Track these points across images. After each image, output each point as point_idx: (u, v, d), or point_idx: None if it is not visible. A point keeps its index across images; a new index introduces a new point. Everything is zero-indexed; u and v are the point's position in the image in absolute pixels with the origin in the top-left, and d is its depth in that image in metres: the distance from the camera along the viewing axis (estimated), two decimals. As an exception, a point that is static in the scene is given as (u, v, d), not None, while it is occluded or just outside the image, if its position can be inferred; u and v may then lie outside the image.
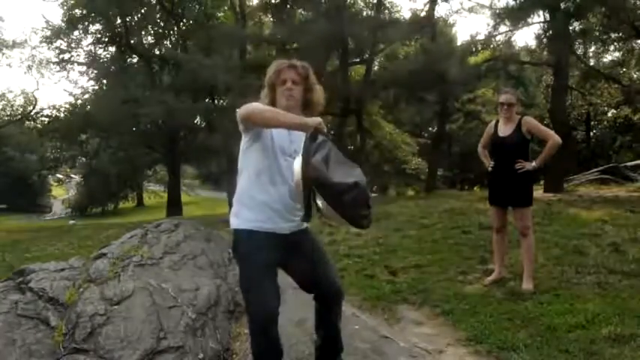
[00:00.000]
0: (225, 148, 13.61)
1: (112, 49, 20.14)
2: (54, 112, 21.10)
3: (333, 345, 2.35)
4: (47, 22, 18.40)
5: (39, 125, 22.31)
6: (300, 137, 2.06)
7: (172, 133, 17.75)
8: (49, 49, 19.28)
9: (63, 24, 18.31)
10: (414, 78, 14.36)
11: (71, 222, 18.97)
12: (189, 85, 16.54)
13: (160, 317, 2.51)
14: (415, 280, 4.36)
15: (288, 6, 17.07)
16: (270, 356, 2.14)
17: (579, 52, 14.93)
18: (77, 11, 18.17)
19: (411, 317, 3.55)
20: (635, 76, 19.37)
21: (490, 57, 16.04)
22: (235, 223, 2.15)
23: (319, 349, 2.37)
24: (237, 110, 2.09)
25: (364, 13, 17.80)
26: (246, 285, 2.11)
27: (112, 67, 19.61)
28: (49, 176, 35.36)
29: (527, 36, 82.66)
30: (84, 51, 19.78)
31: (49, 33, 18.38)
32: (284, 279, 2.22)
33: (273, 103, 2.17)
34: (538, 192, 10.05)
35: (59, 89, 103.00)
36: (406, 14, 23.14)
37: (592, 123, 24.58)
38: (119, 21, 18.36)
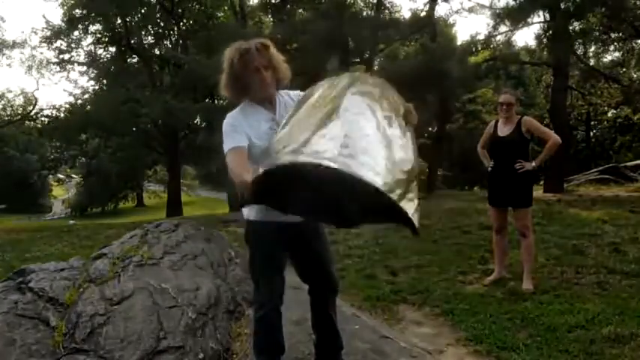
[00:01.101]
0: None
1: (112, 49, 20.14)
2: (54, 112, 21.10)
3: (332, 341, 2.34)
4: (47, 22, 18.41)
5: (39, 125, 22.30)
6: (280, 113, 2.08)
7: (172, 133, 17.75)
8: (49, 49, 19.29)
9: (63, 24, 18.30)
10: (414, 78, 14.34)
11: (71, 222, 18.97)
12: (189, 85, 16.53)
13: (160, 317, 2.51)
14: (415, 280, 4.37)
15: (288, 6, 17.06)
16: (272, 349, 2.16)
17: (579, 52, 14.95)
18: (77, 11, 18.15)
19: (411, 317, 3.55)
20: (635, 76, 19.36)
21: (490, 57, 16.04)
22: (246, 213, 2.19)
23: (318, 346, 2.37)
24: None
25: (364, 13, 17.78)
26: (256, 275, 2.16)
27: (112, 67, 19.60)
28: (50, 176, 35.36)
29: (527, 36, 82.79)
30: (84, 51, 19.79)
31: (49, 33, 18.37)
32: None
33: (245, 89, 2.09)
34: (538, 192, 10.07)
35: (59, 89, 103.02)
36: (406, 14, 23.17)
37: (592, 123, 24.59)
38: (119, 21, 18.35)
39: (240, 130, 2.03)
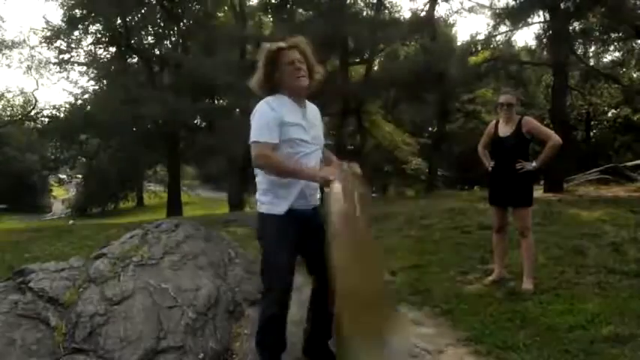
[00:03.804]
0: (225, 148, 13.62)
1: (112, 49, 20.13)
2: (54, 112, 21.11)
3: (323, 331, 2.39)
4: (47, 22, 18.40)
5: (39, 125, 22.30)
6: (314, 122, 2.25)
7: (172, 133, 17.74)
8: (48, 49, 19.30)
9: (63, 24, 18.29)
10: (414, 78, 14.36)
11: (70, 222, 18.95)
12: (189, 85, 16.54)
13: (160, 317, 2.51)
14: (415, 280, 4.36)
15: (288, 6, 17.06)
16: (276, 346, 2.17)
17: (579, 52, 14.93)
18: (77, 11, 18.15)
19: (411, 317, 3.55)
20: (635, 76, 19.37)
21: (490, 57, 16.03)
22: (264, 208, 2.25)
23: (309, 338, 2.42)
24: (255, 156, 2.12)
25: (364, 13, 17.78)
26: (269, 272, 2.21)
27: (112, 67, 19.60)
28: (50, 176, 35.34)
29: (527, 36, 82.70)
30: (84, 51, 19.79)
31: (49, 33, 18.37)
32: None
33: (272, 81, 2.18)
34: (538, 192, 10.05)
35: (59, 89, 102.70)
36: (406, 14, 23.13)
37: (592, 123, 24.59)
38: (119, 21, 18.34)
39: (271, 122, 2.10)
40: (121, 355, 2.23)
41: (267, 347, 2.19)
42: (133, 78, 18.79)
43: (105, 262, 2.95)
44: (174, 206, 18.55)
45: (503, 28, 14.45)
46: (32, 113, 23.33)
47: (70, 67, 20.16)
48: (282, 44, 2.17)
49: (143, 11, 18.52)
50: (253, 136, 2.11)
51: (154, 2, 18.20)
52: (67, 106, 20.13)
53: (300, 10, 17.89)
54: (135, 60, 20.17)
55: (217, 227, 7.30)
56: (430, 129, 26.63)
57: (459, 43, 17.97)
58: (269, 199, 2.24)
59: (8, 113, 27.08)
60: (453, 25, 21.97)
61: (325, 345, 2.40)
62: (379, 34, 15.56)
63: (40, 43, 19.11)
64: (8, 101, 27.25)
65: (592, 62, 17.80)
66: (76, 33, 18.83)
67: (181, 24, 19.02)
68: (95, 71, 19.96)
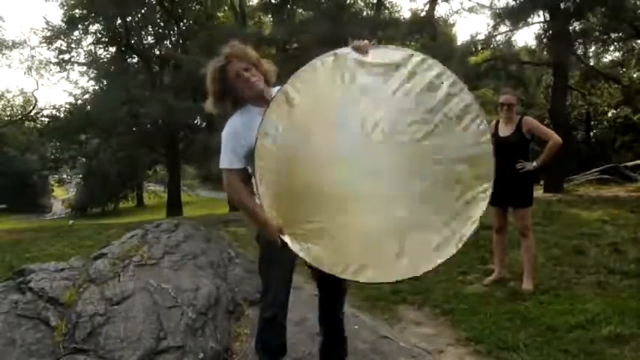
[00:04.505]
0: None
1: (112, 49, 20.11)
2: (54, 112, 21.09)
3: (337, 344, 2.33)
4: (47, 22, 18.37)
5: (39, 125, 22.29)
6: None
7: (172, 133, 17.73)
8: (48, 49, 19.28)
9: (63, 24, 18.27)
10: (414, 78, 14.32)
11: (70, 222, 18.95)
12: (189, 85, 16.53)
13: (160, 317, 2.51)
14: (415, 280, 4.35)
15: (288, 6, 17.06)
16: (276, 350, 2.16)
17: (579, 52, 14.91)
18: (77, 11, 18.15)
19: (411, 317, 3.55)
20: (635, 76, 19.36)
21: (490, 57, 16.02)
22: None
23: (324, 347, 2.36)
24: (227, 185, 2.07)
25: (364, 13, 17.79)
26: (266, 274, 2.16)
27: (112, 67, 19.57)
28: (50, 176, 35.35)
29: (527, 36, 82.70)
30: (84, 51, 19.76)
31: (49, 33, 18.35)
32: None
33: (237, 98, 2.12)
34: (538, 192, 10.07)
35: (59, 89, 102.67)
36: (406, 14, 23.14)
37: (592, 123, 24.55)
38: (119, 21, 18.32)
39: (237, 147, 2.04)
40: (121, 355, 2.23)
41: (266, 350, 2.17)
42: (133, 78, 18.78)
43: (105, 262, 2.95)
44: (174, 206, 18.54)
45: (503, 28, 14.46)
46: (32, 113, 23.32)
47: (70, 67, 20.13)
48: (220, 62, 2.09)
49: (143, 11, 18.50)
50: (221, 162, 2.05)
51: (154, 2, 18.19)
52: (67, 106, 20.09)
53: (300, 10, 17.89)
54: (135, 60, 20.15)
55: (217, 227, 7.31)
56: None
57: (459, 43, 17.95)
58: None
59: (8, 113, 27.09)
60: (453, 25, 22.01)
61: None
62: (379, 34, 15.56)
63: (40, 43, 19.10)
64: (8, 101, 27.29)
65: (592, 62, 17.80)
66: (76, 33, 18.79)
67: (181, 24, 19.02)
68: (95, 71, 19.91)
